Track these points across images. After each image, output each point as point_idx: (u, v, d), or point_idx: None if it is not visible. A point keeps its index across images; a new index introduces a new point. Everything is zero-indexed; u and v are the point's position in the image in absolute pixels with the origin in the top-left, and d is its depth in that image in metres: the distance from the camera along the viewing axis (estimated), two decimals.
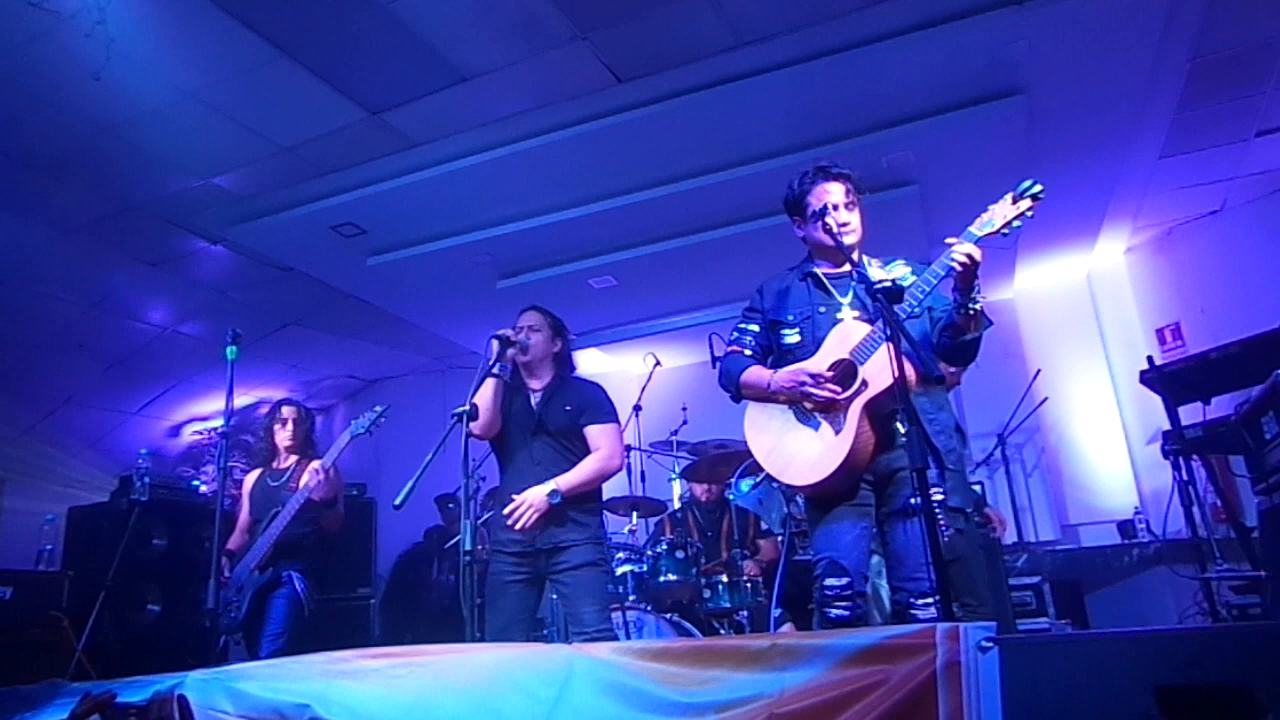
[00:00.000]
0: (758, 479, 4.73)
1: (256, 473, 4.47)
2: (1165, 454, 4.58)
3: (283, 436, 4.40)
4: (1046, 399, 6.79)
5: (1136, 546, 6.10)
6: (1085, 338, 7.14)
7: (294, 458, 4.39)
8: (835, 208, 2.83)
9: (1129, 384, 6.24)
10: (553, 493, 3.40)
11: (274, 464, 4.43)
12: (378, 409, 4.20)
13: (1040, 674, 1.62)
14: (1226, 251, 6.21)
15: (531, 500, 3.40)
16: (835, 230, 2.76)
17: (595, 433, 3.54)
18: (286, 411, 4.46)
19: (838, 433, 2.67)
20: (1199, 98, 4.91)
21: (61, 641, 4.59)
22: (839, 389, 2.67)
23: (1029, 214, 2.56)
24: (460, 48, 4.22)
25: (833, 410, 2.70)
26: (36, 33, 3.83)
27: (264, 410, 4.56)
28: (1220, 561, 4.57)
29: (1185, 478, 4.46)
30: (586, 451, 3.57)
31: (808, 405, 2.76)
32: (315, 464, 4.11)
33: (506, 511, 3.43)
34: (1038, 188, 2.53)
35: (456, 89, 4.49)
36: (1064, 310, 7.24)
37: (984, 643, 1.63)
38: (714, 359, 4.37)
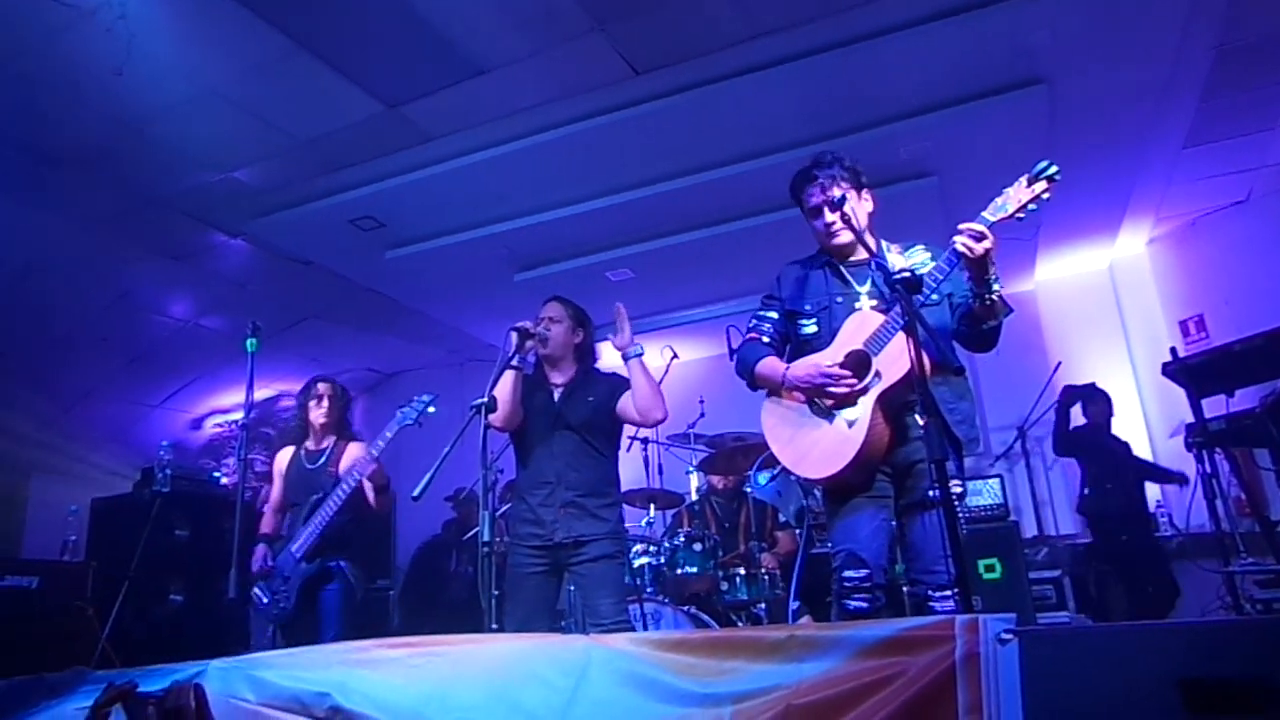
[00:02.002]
0: (775, 471, 4.72)
1: (290, 451, 4.26)
2: (1188, 447, 4.53)
3: (318, 413, 4.17)
4: None
5: (1159, 540, 6.05)
6: (1107, 330, 7.08)
7: (331, 437, 4.19)
8: (820, 211, 2.84)
9: (1151, 376, 6.17)
10: (634, 350, 3.41)
11: (308, 443, 4.22)
12: (425, 398, 4.02)
13: (1061, 666, 1.60)
14: (1251, 242, 6.15)
15: (626, 319, 3.44)
16: (824, 240, 2.86)
17: (627, 397, 3.48)
18: (322, 387, 4.24)
19: (851, 425, 2.63)
20: (1223, 86, 4.84)
21: (86, 631, 4.64)
22: (854, 381, 2.64)
23: (1045, 196, 2.46)
24: (477, 40, 4.23)
25: (847, 403, 2.67)
26: (58, 28, 3.88)
27: (287, 398, 4.51)
28: (1244, 555, 4.52)
29: (1208, 470, 4.40)
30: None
31: (823, 400, 2.73)
32: (358, 448, 4.02)
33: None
34: (1053, 169, 2.44)
35: (474, 82, 4.50)
36: (1086, 302, 7.19)
37: (1004, 635, 1.62)
38: (731, 351, 4.35)
